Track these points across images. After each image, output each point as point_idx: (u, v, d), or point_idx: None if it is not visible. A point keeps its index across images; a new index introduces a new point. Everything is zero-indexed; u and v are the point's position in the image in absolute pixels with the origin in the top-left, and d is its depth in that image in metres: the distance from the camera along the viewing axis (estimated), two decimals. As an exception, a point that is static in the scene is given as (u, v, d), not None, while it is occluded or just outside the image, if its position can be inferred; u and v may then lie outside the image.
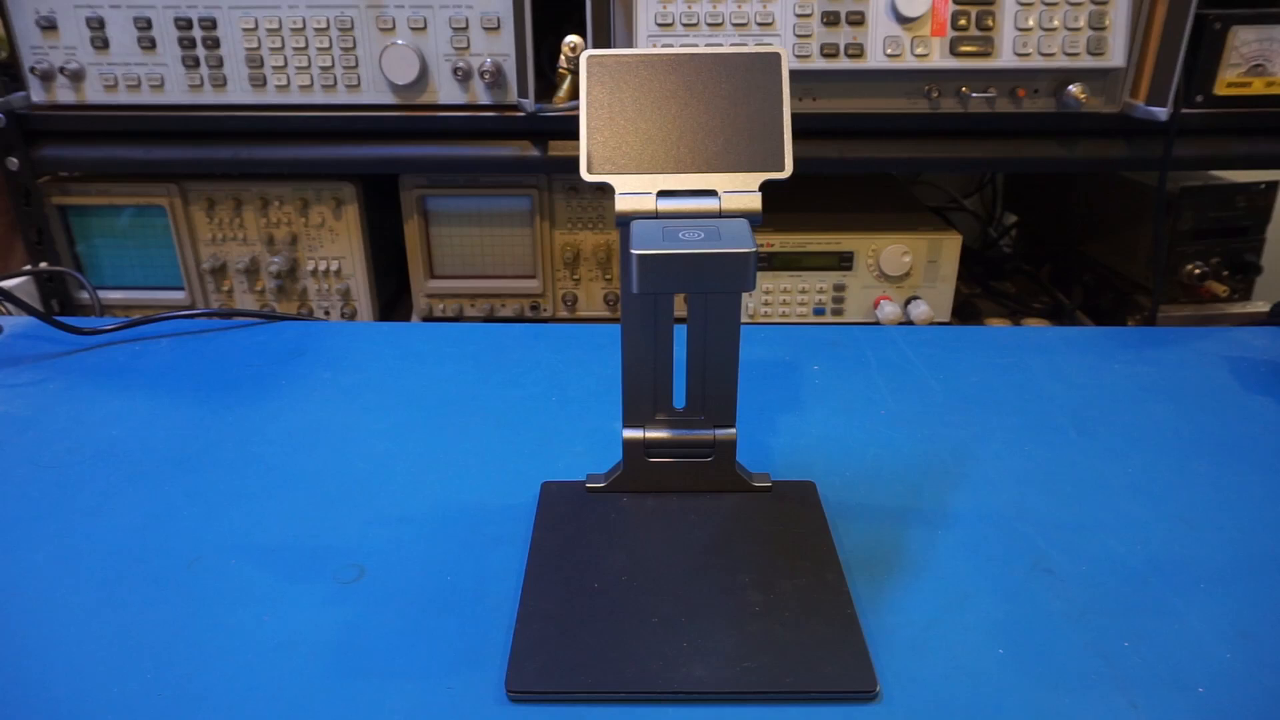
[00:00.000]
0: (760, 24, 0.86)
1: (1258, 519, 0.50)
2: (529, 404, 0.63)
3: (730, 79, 0.44)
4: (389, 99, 0.93)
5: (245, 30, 0.91)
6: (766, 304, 1.05)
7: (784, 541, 0.47)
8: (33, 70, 0.93)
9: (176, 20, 0.91)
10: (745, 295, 1.00)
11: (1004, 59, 0.86)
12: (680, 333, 0.48)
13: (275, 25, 0.90)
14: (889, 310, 1.02)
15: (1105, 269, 1.11)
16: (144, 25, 0.91)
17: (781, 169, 0.44)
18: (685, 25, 0.85)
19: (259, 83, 0.93)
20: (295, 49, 0.91)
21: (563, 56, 0.91)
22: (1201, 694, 0.39)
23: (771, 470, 0.53)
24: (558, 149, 0.95)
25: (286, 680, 0.40)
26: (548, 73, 0.96)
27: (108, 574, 0.46)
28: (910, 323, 1.03)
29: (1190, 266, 1.01)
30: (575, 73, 0.91)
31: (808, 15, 0.85)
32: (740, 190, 0.43)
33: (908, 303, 1.04)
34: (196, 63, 0.92)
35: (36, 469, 0.55)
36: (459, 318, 1.07)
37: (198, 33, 0.91)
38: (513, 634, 0.41)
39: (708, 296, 0.47)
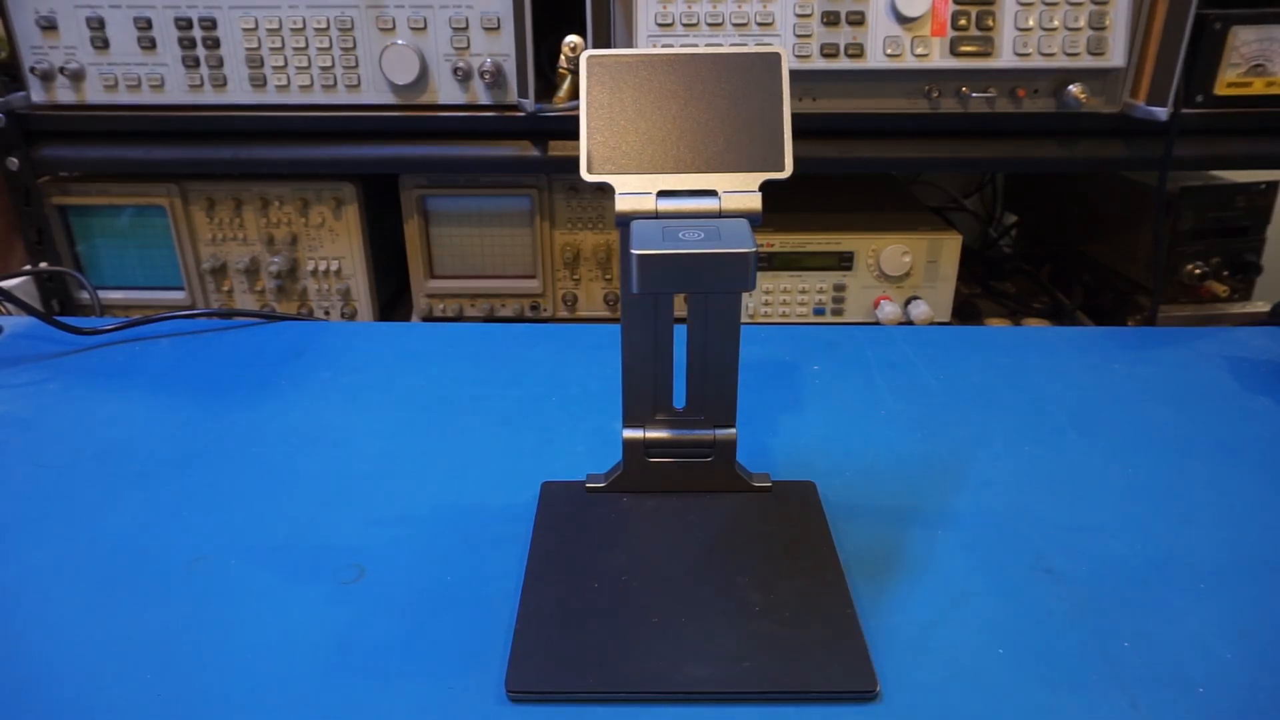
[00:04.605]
0: (760, 24, 0.86)
1: (1257, 519, 0.50)
2: (529, 404, 0.63)
3: (730, 79, 0.44)
4: (389, 99, 0.93)
5: (245, 30, 0.91)
6: (766, 304, 1.05)
7: (784, 541, 0.47)
8: (33, 70, 0.93)
9: (176, 20, 0.91)
10: (745, 295, 1.00)
11: (1004, 59, 0.86)
12: (680, 333, 0.48)
13: (275, 25, 0.90)
14: (889, 310, 1.02)
15: (1105, 269, 1.11)
16: (144, 25, 0.91)
17: (781, 169, 0.43)
18: (685, 25, 0.85)
19: (259, 83, 0.93)
20: (295, 49, 0.91)
21: (563, 56, 0.91)
22: (1201, 694, 0.39)
23: (771, 470, 0.53)
24: (558, 149, 0.95)
25: (286, 680, 0.40)
26: (548, 73, 0.96)
27: (108, 574, 0.46)
28: (910, 323, 1.03)
29: (1190, 266, 1.01)
30: (575, 73, 0.91)
31: (808, 15, 0.85)
32: (740, 190, 0.43)
33: (908, 303, 1.04)
34: (196, 63, 0.92)
35: (37, 469, 0.55)
36: (459, 318, 1.07)
37: (198, 33, 0.91)
38: (513, 634, 0.41)
39: (708, 296, 0.47)
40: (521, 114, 0.92)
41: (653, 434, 0.50)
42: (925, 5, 0.84)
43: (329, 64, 0.92)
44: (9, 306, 0.79)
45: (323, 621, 0.43)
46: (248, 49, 0.91)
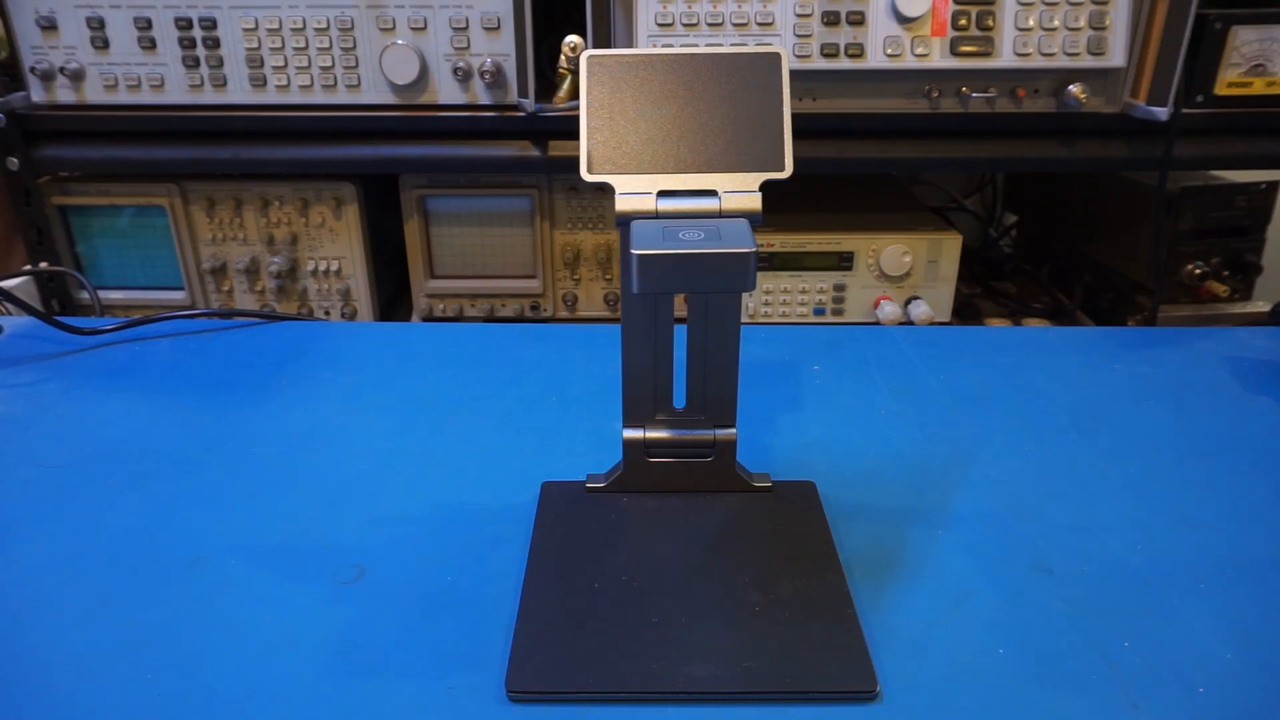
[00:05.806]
0: (760, 24, 0.86)
1: (1257, 519, 0.50)
2: (529, 404, 0.63)
3: (730, 79, 0.44)
4: (389, 99, 0.93)
5: (245, 30, 0.91)
6: (766, 304, 1.05)
7: (784, 541, 0.47)
8: (33, 70, 0.93)
9: (176, 20, 0.91)
10: (745, 295, 1.00)
11: (1004, 59, 0.86)
12: (680, 333, 0.48)
13: (275, 25, 0.90)
14: (889, 310, 1.02)
15: (1105, 269, 1.11)
16: (144, 25, 0.91)
17: (781, 169, 0.43)
18: (685, 25, 0.85)
19: (259, 83, 0.93)
20: (295, 49, 0.91)
21: (563, 56, 0.91)
22: (1201, 694, 0.39)
23: (771, 470, 0.53)
24: (558, 149, 0.95)
25: (286, 680, 0.40)
26: (548, 73, 0.96)
27: (108, 574, 0.46)
28: (910, 323, 1.03)
29: (1190, 266, 1.01)
30: (575, 73, 0.91)
31: (808, 15, 0.85)
32: (740, 190, 0.43)
33: (908, 303, 1.04)
34: (196, 63, 0.92)
35: (36, 469, 0.55)
36: (459, 318, 1.07)
37: (198, 33, 0.91)
38: (513, 634, 0.41)
39: (708, 296, 0.47)
40: (521, 114, 0.92)
41: (653, 434, 0.50)
42: (925, 5, 0.84)
43: (329, 64, 0.92)
44: (9, 306, 0.79)
45: (323, 621, 0.43)
46: (248, 49, 0.91)
